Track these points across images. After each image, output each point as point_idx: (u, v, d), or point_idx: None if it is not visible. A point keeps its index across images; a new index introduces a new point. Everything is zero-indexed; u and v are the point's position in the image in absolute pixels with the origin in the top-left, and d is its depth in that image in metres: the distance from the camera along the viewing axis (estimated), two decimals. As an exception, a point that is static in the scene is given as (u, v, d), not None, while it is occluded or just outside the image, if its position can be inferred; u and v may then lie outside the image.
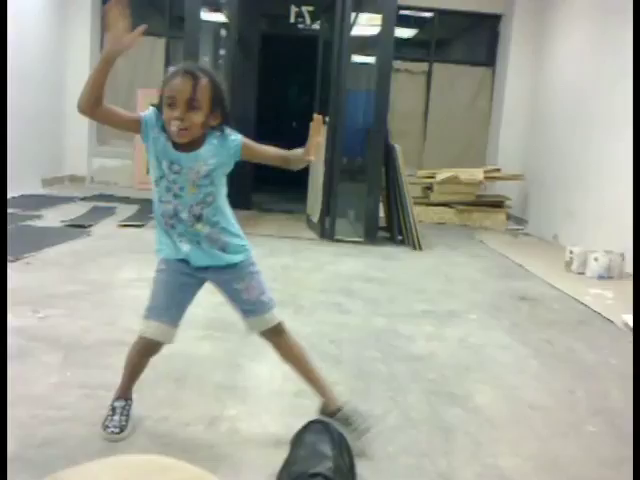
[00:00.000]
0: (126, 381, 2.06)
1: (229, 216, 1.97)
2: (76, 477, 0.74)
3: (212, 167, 1.87)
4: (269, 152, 1.97)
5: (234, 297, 2.00)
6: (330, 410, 2.03)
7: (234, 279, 1.97)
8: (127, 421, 1.99)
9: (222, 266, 1.95)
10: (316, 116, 1.89)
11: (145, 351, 2.01)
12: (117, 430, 1.95)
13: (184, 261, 1.95)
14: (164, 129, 1.84)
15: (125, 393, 2.06)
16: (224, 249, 1.94)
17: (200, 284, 2.00)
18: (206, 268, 1.96)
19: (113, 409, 2.01)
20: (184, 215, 1.88)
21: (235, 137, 1.92)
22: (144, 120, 1.86)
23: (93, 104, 1.80)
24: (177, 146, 1.85)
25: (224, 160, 1.90)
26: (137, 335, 2.00)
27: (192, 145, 1.86)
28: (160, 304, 1.95)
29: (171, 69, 1.85)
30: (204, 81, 1.80)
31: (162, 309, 1.94)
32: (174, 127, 1.78)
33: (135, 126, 1.87)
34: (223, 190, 1.96)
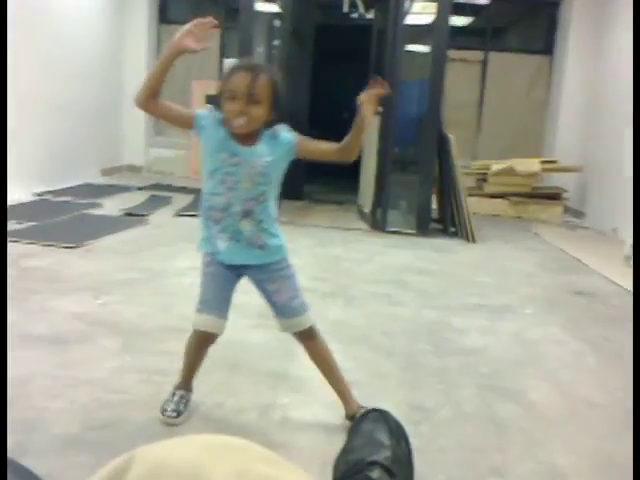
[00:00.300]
0: (186, 373, 2.11)
1: (273, 217, 1.99)
2: (153, 454, 0.77)
3: (268, 164, 1.90)
4: (324, 147, 1.97)
5: (266, 297, 2.04)
6: (352, 412, 2.04)
7: (267, 279, 2.00)
8: (185, 407, 2.05)
9: (258, 264, 1.98)
10: (374, 80, 1.86)
11: (202, 343, 2.06)
12: (174, 414, 2.01)
13: None
14: (222, 122, 1.88)
15: (186, 384, 2.12)
16: (262, 247, 1.96)
17: (238, 278, 2.03)
18: (241, 266, 1.99)
19: (173, 395, 2.07)
20: (235, 209, 1.91)
21: (287, 134, 1.93)
22: (198, 115, 1.91)
23: (149, 97, 1.87)
24: (237, 139, 1.88)
25: (279, 158, 1.92)
26: (192, 328, 2.04)
27: (250, 139, 1.89)
28: (211, 297, 1.99)
29: (230, 64, 1.90)
30: (264, 77, 1.83)
31: (213, 302, 1.99)
32: (234, 120, 1.83)
33: (188, 122, 1.92)
34: (275, 191, 1.98)
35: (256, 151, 1.89)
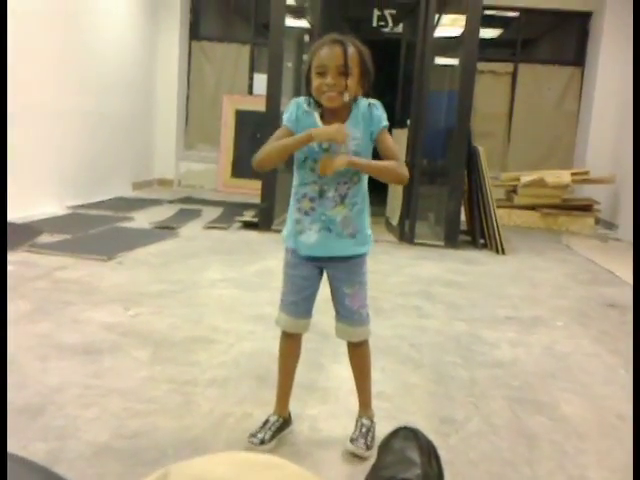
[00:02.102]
0: (280, 388, 2.10)
1: (367, 201, 1.98)
2: (188, 470, 0.78)
3: (359, 142, 1.87)
4: (389, 153, 1.90)
5: (338, 298, 2.01)
6: (365, 416, 2.07)
7: (346, 280, 1.97)
8: (272, 436, 2.00)
9: (344, 257, 1.95)
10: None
11: (288, 340, 2.05)
12: (257, 441, 1.97)
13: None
14: (310, 107, 1.88)
15: (280, 408, 2.08)
16: (354, 235, 1.94)
17: (320, 274, 2.01)
18: (328, 258, 1.96)
19: (265, 422, 2.04)
20: (330, 194, 1.89)
21: (382, 115, 1.89)
22: (289, 121, 1.90)
23: (271, 168, 1.96)
24: (326, 122, 1.87)
25: (369, 135, 1.89)
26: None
27: (339, 119, 1.86)
28: (289, 298, 2.00)
29: (316, 43, 1.86)
30: (352, 49, 1.82)
31: (291, 305, 1.99)
32: (325, 94, 1.81)
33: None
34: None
35: (346, 129, 1.84)
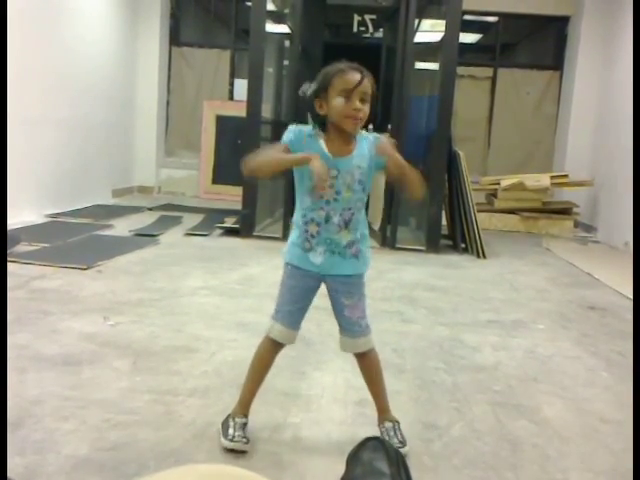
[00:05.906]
0: (247, 392, 2.10)
1: (366, 224, 2.04)
2: None
3: (364, 171, 1.92)
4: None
5: (338, 309, 2.05)
6: (383, 422, 2.10)
7: (345, 293, 2.02)
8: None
9: (346, 275, 2.00)
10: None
11: (272, 349, 2.07)
12: (245, 440, 1.98)
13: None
14: (315, 131, 1.90)
15: (245, 409, 2.08)
16: (357, 256, 2.00)
17: (318, 287, 2.04)
18: (335, 274, 2.00)
19: (234, 423, 2.03)
20: (335, 219, 1.92)
21: (376, 136, 1.95)
22: (290, 142, 1.90)
23: (265, 176, 1.99)
24: (333, 151, 1.89)
25: (372, 163, 1.93)
26: (265, 333, 2.06)
27: (346, 149, 1.90)
28: (286, 309, 2.02)
29: (331, 68, 1.87)
30: (369, 77, 1.87)
31: (287, 314, 2.02)
32: (351, 117, 1.84)
33: None
34: (366, 197, 2.02)
35: (353, 160, 1.90)
